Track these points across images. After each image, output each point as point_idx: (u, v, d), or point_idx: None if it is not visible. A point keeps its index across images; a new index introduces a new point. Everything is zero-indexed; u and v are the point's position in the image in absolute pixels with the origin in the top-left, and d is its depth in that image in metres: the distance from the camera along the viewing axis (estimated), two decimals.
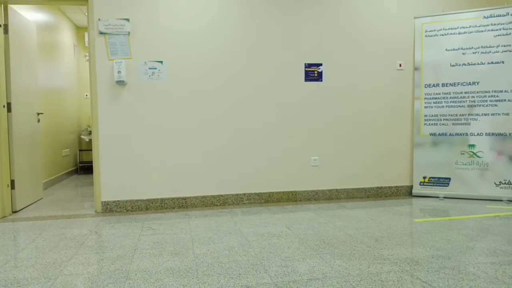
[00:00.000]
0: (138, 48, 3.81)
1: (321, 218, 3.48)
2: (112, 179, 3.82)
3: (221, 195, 4.05)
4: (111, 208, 3.82)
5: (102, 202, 3.81)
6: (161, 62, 3.86)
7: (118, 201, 3.83)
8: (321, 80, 4.23)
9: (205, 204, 4.01)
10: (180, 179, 3.96)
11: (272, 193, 4.17)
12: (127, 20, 3.76)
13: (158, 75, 3.86)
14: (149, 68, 3.84)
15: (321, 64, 4.22)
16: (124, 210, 3.85)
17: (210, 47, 3.96)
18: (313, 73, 4.21)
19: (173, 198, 3.94)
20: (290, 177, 4.22)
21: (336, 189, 4.32)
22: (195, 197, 3.99)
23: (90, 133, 6.84)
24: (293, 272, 2.25)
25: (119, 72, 3.72)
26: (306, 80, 4.20)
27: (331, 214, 3.62)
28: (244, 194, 4.11)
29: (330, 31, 4.21)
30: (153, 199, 3.90)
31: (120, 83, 3.77)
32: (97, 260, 2.49)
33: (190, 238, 2.93)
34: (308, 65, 4.20)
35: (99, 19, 3.71)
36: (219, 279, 2.17)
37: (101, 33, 3.73)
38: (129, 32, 3.77)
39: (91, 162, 6.69)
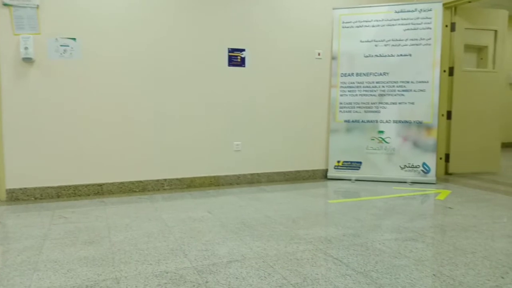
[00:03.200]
0: (48, 23, 3.51)
1: (242, 202, 3.54)
2: (18, 165, 3.52)
3: (141, 181, 3.93)
4: (17, 196, 3.53)
5: (6, 190, 3.50)
6: (74, 39, 3.60)
7: (25, 188, 3.55)
8: (244, 66, 4.25)
9: (123, 191, 3.87)
10: (95, 164, 3.76)
11: (195, 178, 4.15)
12: None
13: (71, 53, 3.60)
14: (61, 46, 3.57)
15: (244, 50, 4.24)
16: (32, 198, 3.58)
17: (130, 26, 3.77)
18: (236, 58, 4.21)
19: (88, 185, 3.74)
20: (213, 162, 4.22)
21: (257, 173, 4.41)
22: (112, 183, 3.82)
23: None
24: (213, 255, 2.27)
25: (26, 48, 3.40)
26: (229, 65, 4.19)
27: (252, 198, 3.70)
28: (165, 180, 4.03)
29: (253, 16, 4.23)
30: (65, 186, 3.67)
31: (27, 60, 3.46)
32: (1, 252, 2.30)
33: (106, 226, 2.82)
34: (232, 50, 4.19)
35: None
36: (137, 266, 2.12)
37: (5, 4, 3.37)
38: (38, 5, 3.46)
39: None
